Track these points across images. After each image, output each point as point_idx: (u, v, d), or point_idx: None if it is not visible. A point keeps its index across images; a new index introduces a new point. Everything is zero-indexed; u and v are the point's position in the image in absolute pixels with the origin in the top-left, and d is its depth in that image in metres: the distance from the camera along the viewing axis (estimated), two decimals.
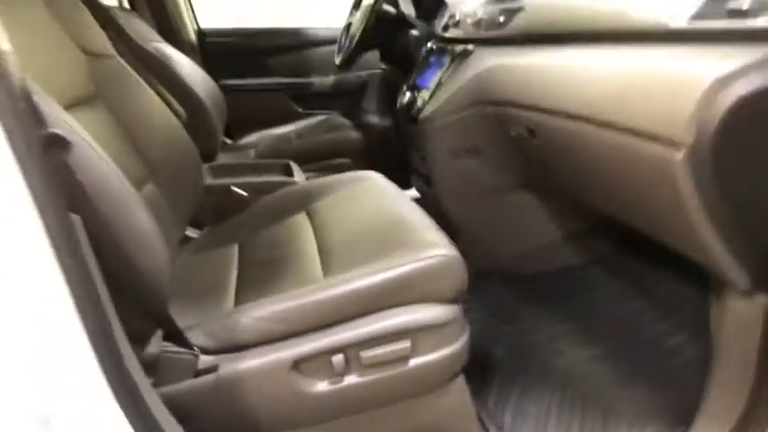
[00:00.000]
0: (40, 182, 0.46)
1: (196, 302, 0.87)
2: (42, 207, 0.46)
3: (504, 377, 1.10)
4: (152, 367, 0.69)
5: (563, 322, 1.24)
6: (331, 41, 2.26)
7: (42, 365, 0.49)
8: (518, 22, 1.14)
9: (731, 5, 0.67)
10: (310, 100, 2.23)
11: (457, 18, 1.45)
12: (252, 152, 1.95)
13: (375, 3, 1.64)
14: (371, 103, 2.10)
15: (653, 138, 0.70)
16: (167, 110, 1.18)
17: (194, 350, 0.73)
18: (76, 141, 0.62)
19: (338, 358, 0.76)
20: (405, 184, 1.46)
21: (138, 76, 1.11)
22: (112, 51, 1.06)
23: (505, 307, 1.29)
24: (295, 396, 0.76)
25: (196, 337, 0.75)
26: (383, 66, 2.14)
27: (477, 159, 1.30)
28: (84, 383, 0.50)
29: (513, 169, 1.28)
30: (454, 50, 1.35)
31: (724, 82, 0.62)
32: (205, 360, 0.74)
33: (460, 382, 0.86)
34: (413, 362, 0.79)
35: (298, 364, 0.75)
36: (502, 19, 1.20)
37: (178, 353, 0.72)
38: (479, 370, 1.01)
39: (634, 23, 0.83)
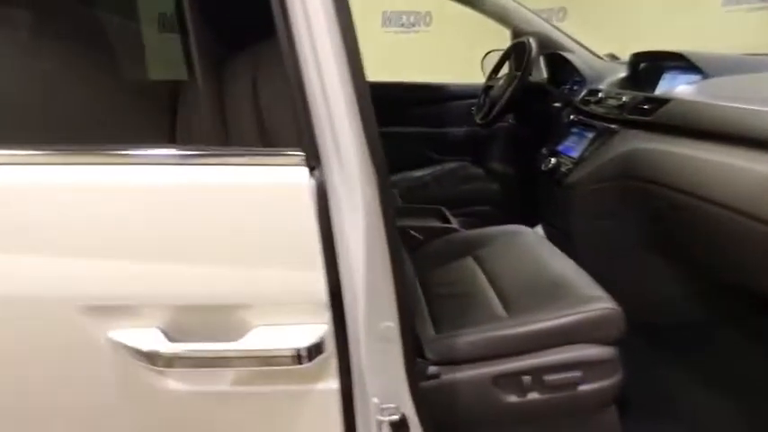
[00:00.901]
0: None
1: None
2: None
3: (640, 413, 1.30)
4: None
5: (686, 371, 1.42)
6: (464, 96, 2.56)
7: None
8: (664, 113, 1.36)
9: None
10: (443, 148, 2.52)
11: (599, 96, 1.69)
12: (395, 191, 2.26)
13: (522, 74, 1.91)
14: (502, 154, 2.37)
15: None
16: None
17: (427, 360, 1.01)
18: None
19: (527, 378, 1.01)
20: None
21: None
22: None
23: (636, 352, 1.49)
24: (492, 404, 1.02)
25: (426, 351, 1.03)
26: (511, 121, 2.40)
27: (613, 222, 1.52)
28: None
29: (646, 232, 1.49)
30: (598, 127, 1.59)
31: None
32: (432, 369, 1.01)
33: (613, 409, 1.09)
34: (581, 388, 1.03)
35: (497, 380, 1.02)
36: (647, 107, 1.43)
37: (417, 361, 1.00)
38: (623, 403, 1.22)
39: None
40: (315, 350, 0.66)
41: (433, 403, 1.01)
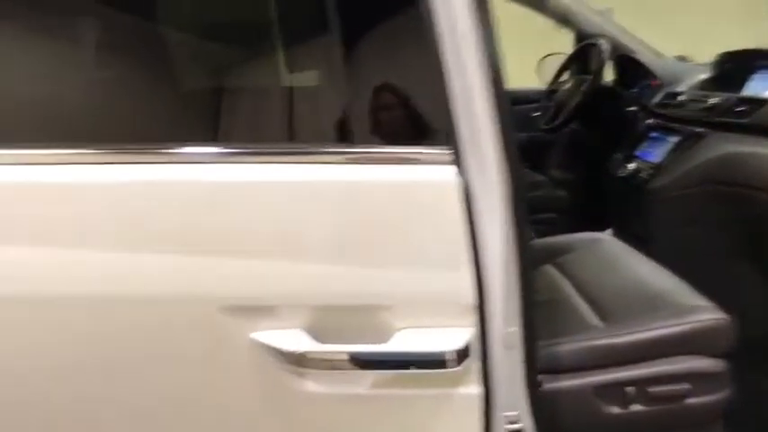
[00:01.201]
0: None
1: None
2: None
3: (738, 425, 1.24)
4: None
5: None
6: (521, 101, 2.50)
7: None
8: (764, 114, 1.30)
9: None
10: None
11: (680, 99, 1.63)
12: None
13: (595, 77, 1.86)
14: (563, 160, 2.31)
15: None
16: None
17: None
18: None
19: (631, 389, 0.97)
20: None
21: None
22: None
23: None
24: (593, 414, 0.98)
25: None
26: (573, 126, 2.34)
27: (703, 228, 1.46)
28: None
29: (739, 239, 1.42)
30: (682, 131, 1.53)
31: None
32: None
33: (719, 424, 1.03)
34: (688, 401, 0.98)
35: (598, 390, 0.97)
36: (743, 108, 1.36)
37: None
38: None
39: None
40: (463, 354, 0.64)
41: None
